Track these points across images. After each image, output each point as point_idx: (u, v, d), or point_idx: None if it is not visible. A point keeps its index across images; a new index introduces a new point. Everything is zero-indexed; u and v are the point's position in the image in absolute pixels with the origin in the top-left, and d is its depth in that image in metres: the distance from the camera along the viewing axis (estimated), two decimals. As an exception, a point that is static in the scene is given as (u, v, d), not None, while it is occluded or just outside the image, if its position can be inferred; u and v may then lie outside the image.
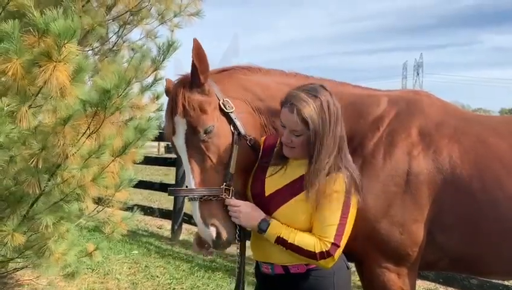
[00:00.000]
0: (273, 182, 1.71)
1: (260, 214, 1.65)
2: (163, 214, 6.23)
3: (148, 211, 6.30)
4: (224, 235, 1.68)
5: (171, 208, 6.16)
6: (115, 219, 3.17)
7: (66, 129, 2.14)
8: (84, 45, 2.62)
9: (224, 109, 1.77)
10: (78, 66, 1.96)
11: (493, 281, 3.69)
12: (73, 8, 2.15)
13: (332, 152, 1.61)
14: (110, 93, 2.10)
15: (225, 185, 1.70)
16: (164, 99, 3.38)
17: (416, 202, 1.83)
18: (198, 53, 1.72)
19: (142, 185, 6.69)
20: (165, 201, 8.19)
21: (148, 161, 6.46)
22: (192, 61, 1.72)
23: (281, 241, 1.60)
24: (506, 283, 3.72)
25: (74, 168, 2.26)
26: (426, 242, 1.86)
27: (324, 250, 1.56)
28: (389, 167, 1.85)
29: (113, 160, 2.44)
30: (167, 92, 1.92)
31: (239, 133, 1.77)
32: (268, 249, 1.68)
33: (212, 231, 1.68)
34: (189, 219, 5.72)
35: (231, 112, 1.78)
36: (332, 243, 1.56)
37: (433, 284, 4.22)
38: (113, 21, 2.82)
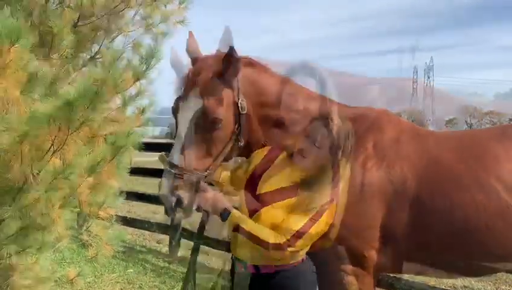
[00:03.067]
0: (267, 183, 1.84)
1: (224, 204, 1.78)
2: (162, 228, 5.95)
3: (146, 225, 6.05)
4: (184, 203, 1.77)
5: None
6: (98, 240, 2.90)
7: (23, 147, 1.89)
8: (54, 52, 2.37)
9: (239, 109, 1.87)
10: (31, 75, 1.68)
11: None
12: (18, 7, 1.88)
13: None
14: (73, 105, 1.84)
15: (207, 172, 1.83)
16: (150, 113, 3.14)
17: (369, 210, 1.99)
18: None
19: (144, 197, 6.46)
20: (167, 213, 7.95)
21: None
22: (228, 54, 1.79)
23: (238, 229, 1.72)
24: None
25: (39, 190, 2.01)
26: (380, 246, 2.01)
27: (278, 242, 1.66)
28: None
29: (83, 181, 2.17)
30: (174, 63, 1.97)
31: (238, 134, 1.89)
32: (243, 247, 1.80)
33: (173, 199, 1.76)
34: (187, 235, 5.43)
35: (243, 114, 1.88)
36: (288, 240, 1.66)
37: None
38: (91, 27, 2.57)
